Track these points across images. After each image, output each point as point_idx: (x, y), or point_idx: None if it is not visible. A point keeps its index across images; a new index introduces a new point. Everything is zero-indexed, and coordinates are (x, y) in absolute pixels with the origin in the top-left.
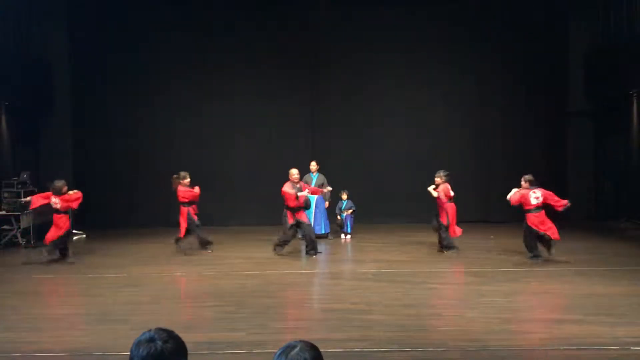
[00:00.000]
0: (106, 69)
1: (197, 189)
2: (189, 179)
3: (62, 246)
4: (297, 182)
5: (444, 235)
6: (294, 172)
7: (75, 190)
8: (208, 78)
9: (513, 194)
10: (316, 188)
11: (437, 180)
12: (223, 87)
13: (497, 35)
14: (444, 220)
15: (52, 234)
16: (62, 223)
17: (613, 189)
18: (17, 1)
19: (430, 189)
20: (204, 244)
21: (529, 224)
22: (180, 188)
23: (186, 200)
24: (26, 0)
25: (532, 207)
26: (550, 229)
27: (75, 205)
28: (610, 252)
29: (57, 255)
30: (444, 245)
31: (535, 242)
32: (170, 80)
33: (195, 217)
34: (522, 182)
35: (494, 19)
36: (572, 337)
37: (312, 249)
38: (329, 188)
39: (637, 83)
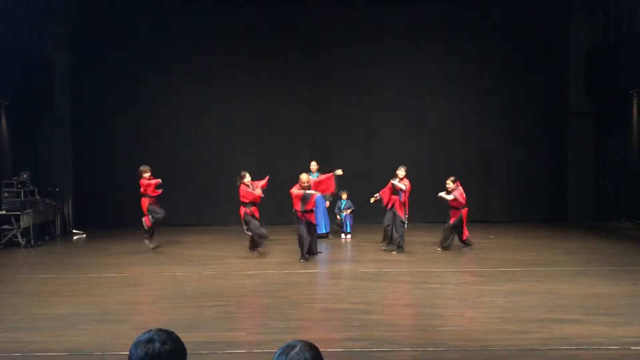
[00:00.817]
0: (106, 69)
1: (258, 191)
2: (247, 179)
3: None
4: (306, 187)
5: (400, 232)
6: (304, 179)
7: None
8: (208, 78)
9: (460, 197)
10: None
11: (401, 174)
12: (223, 87)
13: (497, 35)
14: (402, 216)
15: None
16: (143, 207)
17: (613, 189)
18: (17, 1)
19: (396, 182)
20: (254, 246)
21: (463, 220)
22: (242, 187)
23: (246, 201)
24: (26, 0)
25: (465, 204)
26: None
27: (149, 190)
28: (610, 252)
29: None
30: (398, 245)
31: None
32: (170, 80)
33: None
34: (451, 184)
35: (494, 19)
36: (572, 337)
37: (307, 253)
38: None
39: (637, 83)
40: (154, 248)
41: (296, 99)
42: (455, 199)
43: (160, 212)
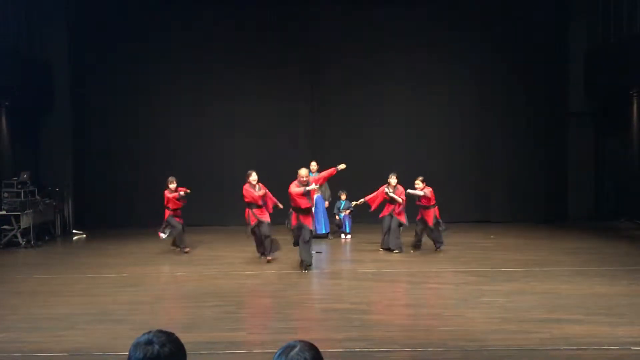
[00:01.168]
0: (106, 69)
1: (260, 192)
2: (252, 178)
3: (175, 238)
4: (305, 182)
5: (397, 235)
6: (303, 174)
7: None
8: (208, 78)
9: (430, 195)
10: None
11: (393, 182)
12: (223, 87)
13: (497, 35)
14: (404, 221)
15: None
16: (164, 218)
17: (613, 189)
18: (17, 1)
19: (392, 193)
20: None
21: (437, 216)
22: (245, 186)
23: (246, 200)
24: (26, 1)
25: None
26: None
27: (170, 204)
28: (610, 252)
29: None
30: (400, 248)
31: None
32: (170, 80)
33: (253, 222)
34: (420, 184)
35: (494, 19)
36: (572, 337)
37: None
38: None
39: (637, 83)
40: (186, 251)
41: (296, 99)
42: (425, 196)
43: (177, 226)
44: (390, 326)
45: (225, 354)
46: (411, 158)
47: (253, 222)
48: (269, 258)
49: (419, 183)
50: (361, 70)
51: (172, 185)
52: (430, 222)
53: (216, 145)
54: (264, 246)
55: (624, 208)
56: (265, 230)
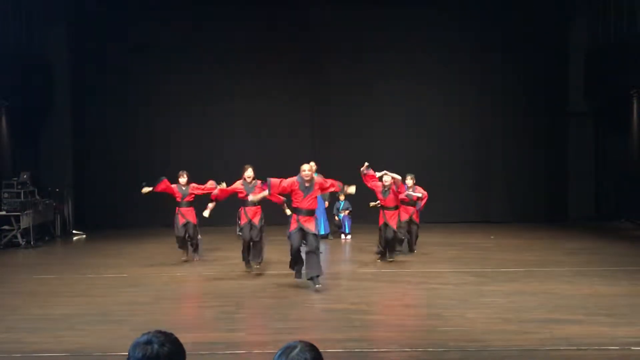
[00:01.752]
0: (106, 69)
1: (225, 186)
2: (247, 174)
3: (186, 239)
4: (308, 177)
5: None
6: (306, 168)
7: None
8: (208, 78)
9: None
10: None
11: (410, 182)
12: (223, 88)
13: (497, 35)
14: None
15: None
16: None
17: (613, 189)
18: (17, 1)
19: (412, 192)
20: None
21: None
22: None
23: (239, 196)
24: (26, 1)
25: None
26: None
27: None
28: (610, 252)
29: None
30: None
31: None
32: (170, 80)
33: (241, 222)
34: (411, 181)
35: (494, 20)
36: (572, 337)
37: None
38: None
39: (637, 83)
40: (185, 260)
41: (296, 99)
42: (421, 198)
43: (177, 226)
44: (391, 326)
45: (225, 354)
46: (411, 158)
47: (243, 222)
48: (256, 266)
49: (409, 181)
50: (361, 70)
51: (181, 179)
52: (417, 219)
53: (216, 145)
54: (250, 253)
55: (624, 208)
56: (252, 234)
